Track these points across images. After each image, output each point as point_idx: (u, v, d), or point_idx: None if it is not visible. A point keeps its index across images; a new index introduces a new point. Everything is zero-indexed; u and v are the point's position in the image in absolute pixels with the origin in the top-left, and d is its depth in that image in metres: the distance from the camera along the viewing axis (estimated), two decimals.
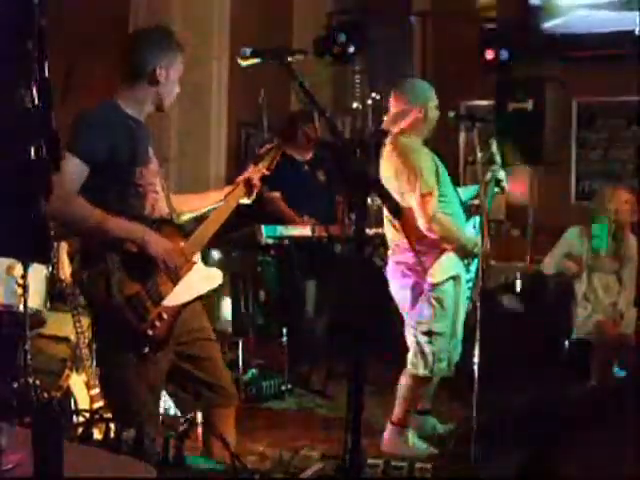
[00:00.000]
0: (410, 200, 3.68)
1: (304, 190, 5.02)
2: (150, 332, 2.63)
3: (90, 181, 2.60)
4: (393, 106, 3.89)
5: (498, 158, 4.07)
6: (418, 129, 3.83)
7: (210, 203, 3.03)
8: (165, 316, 2.68)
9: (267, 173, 3.14)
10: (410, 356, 3.84)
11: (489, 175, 3.94)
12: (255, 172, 3.06)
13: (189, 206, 3.03)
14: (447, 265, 3.74)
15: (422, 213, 3.65)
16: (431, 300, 3.73)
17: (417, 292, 3.75)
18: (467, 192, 4.07)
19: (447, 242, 3.72)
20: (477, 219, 3.87)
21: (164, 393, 3.18)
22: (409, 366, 3.84)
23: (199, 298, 2.86)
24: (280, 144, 3.15)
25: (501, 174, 3.97)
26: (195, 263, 2.82)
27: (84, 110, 2.72)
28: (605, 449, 3.14)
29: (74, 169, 2.56)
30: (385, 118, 3.98)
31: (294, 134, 5.35)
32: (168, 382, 2.89)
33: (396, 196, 3.70)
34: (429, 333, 3.76)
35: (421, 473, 3.41)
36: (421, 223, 3.66)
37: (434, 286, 3.72)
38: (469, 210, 3.95)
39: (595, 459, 3.13)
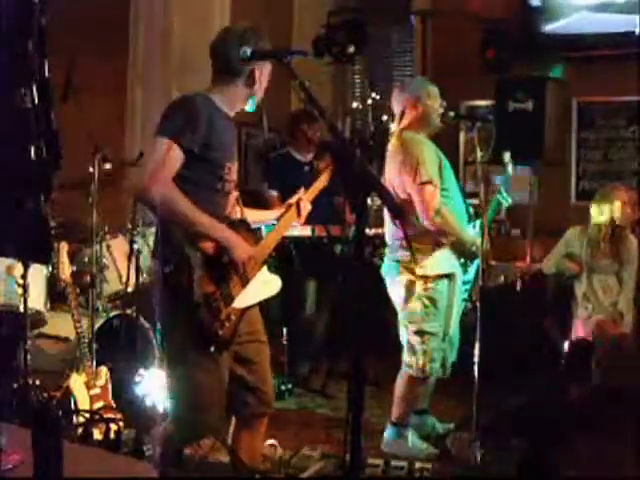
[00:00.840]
0: (410, 189, 3.67)
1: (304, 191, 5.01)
2: (220, 332, 2.66)
3: (182, 171, 2.61)
4: (396, 104, 3.89)
5: (510, 169, 4.09)
6: (421, 126, 3.83)
7: (261, 220, 3.09)
8: (233, 317, 2.71)
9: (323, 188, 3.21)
10: (404, 356, 3.84)
11: (494, 202, 3.96)
12: (315, 188, 3.13)
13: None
14: (441, 261, 3.72)
15: (421, 201, 3.63)
16: (424, 299, 3.72)
17: (411, 290, 3.74)
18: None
19: (445, 235, 3.69)
20: (478, 222, 3.86)
21: None
22: (403, 366, 3.84)
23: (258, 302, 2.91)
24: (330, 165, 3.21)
25: (506, 201, 3.98)
26: (261, 268, 2.86)
27: (179, 98, 2.74)
28: (605, 450, 3.15)
29: (172, 155, 2.57)
30: (385, 117, 3.98)
31: (296, 134, 5.35)
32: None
33: (398, 188, 3.70)
34: (421, 332, 3.75)
35: (421, 473, 3.42)
36: (420, 212, 3.64)
37: (426, 282, 3.70)
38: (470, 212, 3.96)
39: (594, 460, 3.13)
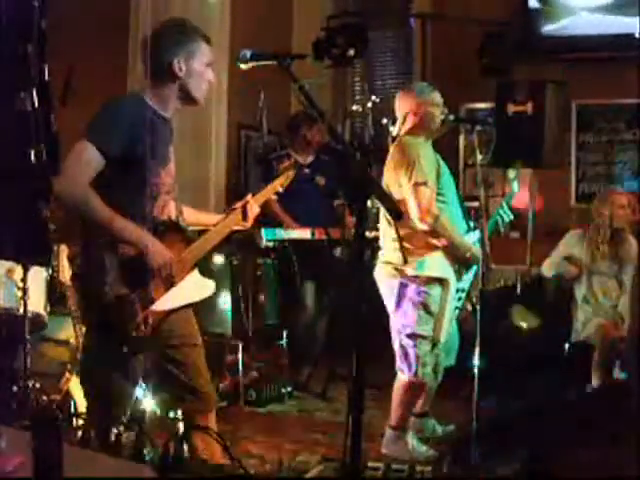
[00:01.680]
0: (405, 190, 3.67)
1: (303, 194, 5.01)
2: (134, 333, 2.65)
3: (106, 175, 2.60)
4: (398, 108, 3.90)
5: (516, 186, 4.09)
6: (422, 131, 3.83)
7: (206, 224, 3.03)
8: (151, 320, 2.69)
9: (280, 190, 3.22)
10: (397, 361, 3.83)
11: (494, 217, 3.96)
12: (267, 191, 3.12)
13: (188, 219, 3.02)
14: (434, 263, 3.71)
15: (415, 202, 3.62)
16: (416, 303, 3.71)
17: (403, 293, 3.73)
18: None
19: (439, 237, 3.68)
20: (477, 231, 3.85)
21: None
22: (398, 371, 3.84)
23: (190, 305, 2.88)
24: (295, 163, 3.19)
25: (507, 216, 3.99)
26: (191, 271, 2.83)
27: (109, 99, 2.73)
28: (605, 452, 3.14)
29: (89, 157, 2.56)
30: (385, 121, 3.99)
31: (295, 136, 5.36)
32: (155, 382, 2.92)
33: (394, 189, 3.70)
34: (414, 336, 3.74)
35: (421, 475, 3.42)
36: (414, 213, 3.63)
37: (419, 285, 3.69)
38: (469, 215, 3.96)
39: (595, 462, 3.13)
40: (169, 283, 2.74)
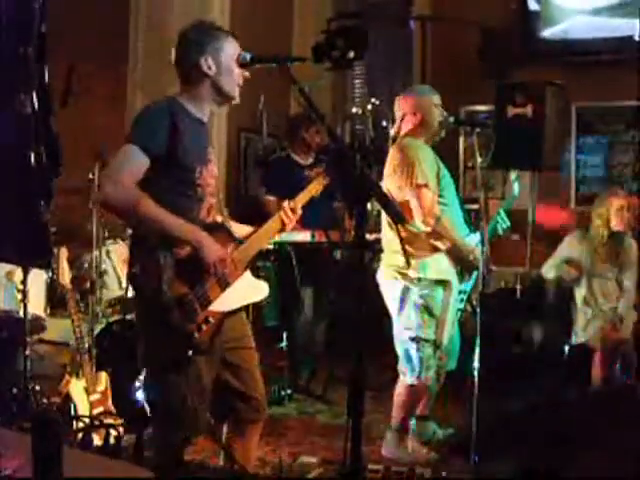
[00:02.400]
0: (406, 192, 3.67)
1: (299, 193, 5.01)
2: (196, 334, 2.62)
3: (151, 178, 2.59)
4: (398, 111, 3.90)
5: (516, 189, 4.09)
6: (421, 133, 3.83)
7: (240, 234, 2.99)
8: (212, 320, 2.66)
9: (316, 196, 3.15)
10: (399, 364, 3.83)
11: (491, 225, 3.97)
12: (304, 196, 3.06)
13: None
14: (436, 266, 3.71)
15: (417, 205, 3.62)
16: (419, 306, 3.71)
17: (405, 296, 3.73)
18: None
19: (441, 239, 3.69)
20: (478, 233, 3.86)
21: None
22: (400, 374, 3.84)
23: (244, 307, 2.87)
24: (325, 177, 3.15)
25: (504, 223, 3.99)
26: (244, 272, 2.82)
27: (147, 104, 2.74)
28: (605, 454, 3.14)
29: (134, 158, 2.56)
30: (385, 123, 4.00)
31: (295, 138, 5.36)
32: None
33: (395, 191, 3.70)
34: (416, 339, 3.74)
35: (421, 478, 3.41)
36: (417, 215, 3.63)
37: (422, 288, 3.69)
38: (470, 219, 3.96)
39: (595, 465, 3.12)
40: (224, 283, 2.71)
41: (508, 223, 4.03)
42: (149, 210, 2.55)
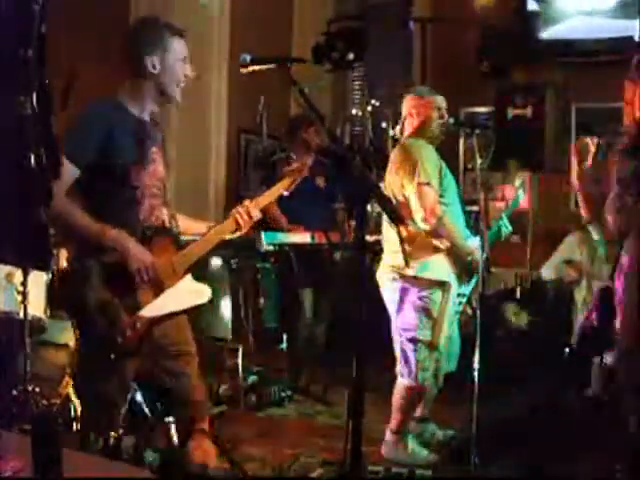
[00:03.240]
0: (408, 190, 3.67)
1: (302, 196, 5.03)
2: (119, 339, 2.62)
3: (86, 184, 2.60)
4: (402, 110, 3.91)
5: (521, 195, 4.09)
6: (424, 133, 3.83)
7: (197, 232, 2.98)
8: (139, 325, 2.65)
9: (286, 194, 3.13)
10: (398, 365, 3.83)
11: (494, 230, 3.97)
12: (270, 195, 3.05)
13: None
14: (435, 266, 3.71)
15: (419, 203, 3.62)
16: (418, 307, 3.71)
17: (405, 298, 3.73)
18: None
19: (441, 239, 3.68)
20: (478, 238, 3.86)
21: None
22: (398, 375, 3.84)
23: (184, 312, 2.84)
24: (303, 167, 3.11)
25: (506, 228, 4.00)
26: (184, 276, 2.79)
27: (83, 108, 2.72)
28: (605, 456, 3.14)
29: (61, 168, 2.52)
30: (384, 124, 4.00)
31: (294, 139, 5.37)
32: (148, 389, 2.88)
33: (396, 190, 3.70)
34: (414, 340, 3.74)
35: (422, 479, 3.41)
36: (418, 214, 3.63)
37: (420, 289, 3.69)
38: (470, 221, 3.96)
39: (595, 467, 3.12)
40: (158, 289, 2.70)
41: (510, 228, 4.03)
42: (74, 218, 2.58)
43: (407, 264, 3.63)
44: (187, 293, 2.81)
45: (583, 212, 3.42)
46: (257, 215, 2.95)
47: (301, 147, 5.33)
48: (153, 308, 2.70)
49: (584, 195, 3.39)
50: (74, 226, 2.59)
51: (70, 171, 2.56)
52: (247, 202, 2.96)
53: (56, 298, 3.11)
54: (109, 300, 2.62)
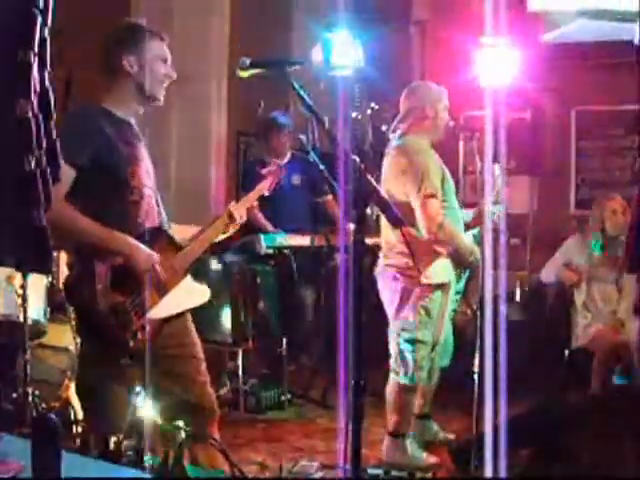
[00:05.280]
0: (413, 201, 3.66)
1: (280, 195, 5.02)
2: (131, 343, 2.62)
3: (81, 188, 2.58)
4: (402, 104, 3.88)
5: (500, 182, 4.07)
6: (426, 129, 3.81)
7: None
8: (148, 328, 2.65)
9: (267, 193, 3.18)
10: (392, 363, 3.83)
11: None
12: (251, 196, 3.09)
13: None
14: (440, 270, 3.72)
15: (424, 215, 3.62)
16: (418, 307, 3.71)
17: (405, 298, 3.73)
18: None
19: (444, 245, 3.69)
20: (476, 230, 3.86)
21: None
22: (391, 373, 3.83)
23: (184, 314, 2.84)
24: (281, 167, 3.16)
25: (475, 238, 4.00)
26: (184, 277, 2.80)
27: (67, 113, 2.73)
28: (605, 457, 3.13)
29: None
30: (384, 127, 3.99)
31: (265, 143, 5.38)
32: (153, 393, 2.86)
33: (399, 195, 3.69)
34: (413, 341, 3.74)
35: None
36: (422, 225, 3.63)
37: (424, 290, 3.69)
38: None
39: (595, 467, 3.12)
40: (162, 290, 2.70)
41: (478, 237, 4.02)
42: (77, 223, 2.55)
43: (420, 271, 3.63)
44: (188, 294, 2.82)
45: None
46: (243, 214, 2.97)
47: (274, 149, 5.33)
48: (160, 310, 2.70)
49: None
50: (77, 230, 2.57)
51: (68, 173, 2.54)
52: (232, 204, 3.00)
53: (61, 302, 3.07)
54: (120, 303, 2.61)
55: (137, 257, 2.62)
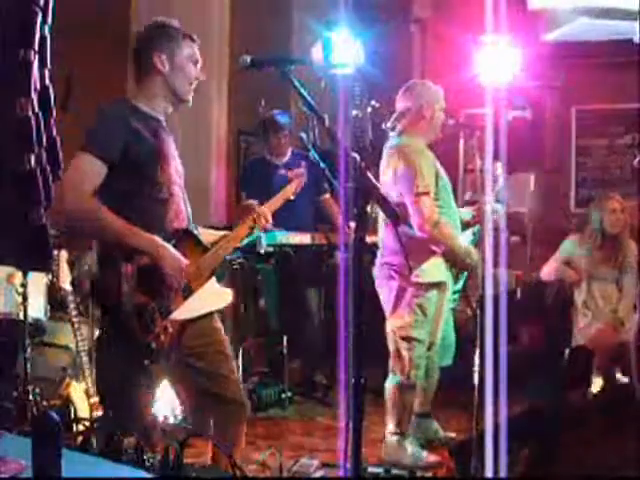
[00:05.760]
0: (407, 199, 3.66)
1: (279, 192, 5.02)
2: (153, 344, 2.62)
3: (111, 185, 2.57)
4: (399, 103, 3.88)
5: (502, 181, 4.09)
6: (423, 129, 3.81)
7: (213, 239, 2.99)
8: (171, 329, 2.66)
9: (292, 197, 3.25)
10: (390, 362, 3.83)
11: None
12: (278, 199, 3.13)
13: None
14: (434, 269, 3.72)
15: (417, 213, 3.62)
16: (413, 306, 3.71)
17: (400, 296, 3.73)
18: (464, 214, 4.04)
19: (439, 246, 3.69)
20: (476, 228, 3.86)
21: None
22: (390, 372, 3.84)
23: (211, 314, 2.84)
24: (302, 174, 3.19)
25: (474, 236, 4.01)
26: (209, 280, 2.81)
27: (100, 106, 2.70)
28: (605, 457, 3.14)
29: (89, 167, 2.53)
30: (384, 125, 3.99)
31: (265, 142, 5.38)
32: (182, 393, 2.86)
33: (395, 195, 3.70)
34: (409, 339, 3.74)
35: None
36: (415, 223, 3.63)
37: (418, 289, 3.69)
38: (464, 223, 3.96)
39: (595, 466, 3.12)
40: (187, 292, 2.71)
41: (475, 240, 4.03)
42: (108, 221, 2.54)
43: (411, 271, 3.63)
44: (213, 295, 2.83)
45: None
46: (268, 217, 3.01)
47: (274, 148, 5.33)
48: (184, 311, 2.70)
49: None
50: (105, 227, 2.56)
51: (99, 169, 2.54)
52: (256, 206, 3.01)
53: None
54: (146, 304, 2.61)
55: (164, 259, 2.61)
